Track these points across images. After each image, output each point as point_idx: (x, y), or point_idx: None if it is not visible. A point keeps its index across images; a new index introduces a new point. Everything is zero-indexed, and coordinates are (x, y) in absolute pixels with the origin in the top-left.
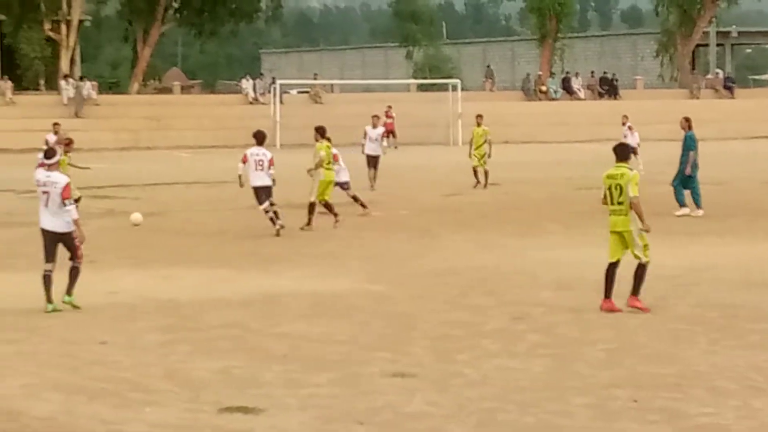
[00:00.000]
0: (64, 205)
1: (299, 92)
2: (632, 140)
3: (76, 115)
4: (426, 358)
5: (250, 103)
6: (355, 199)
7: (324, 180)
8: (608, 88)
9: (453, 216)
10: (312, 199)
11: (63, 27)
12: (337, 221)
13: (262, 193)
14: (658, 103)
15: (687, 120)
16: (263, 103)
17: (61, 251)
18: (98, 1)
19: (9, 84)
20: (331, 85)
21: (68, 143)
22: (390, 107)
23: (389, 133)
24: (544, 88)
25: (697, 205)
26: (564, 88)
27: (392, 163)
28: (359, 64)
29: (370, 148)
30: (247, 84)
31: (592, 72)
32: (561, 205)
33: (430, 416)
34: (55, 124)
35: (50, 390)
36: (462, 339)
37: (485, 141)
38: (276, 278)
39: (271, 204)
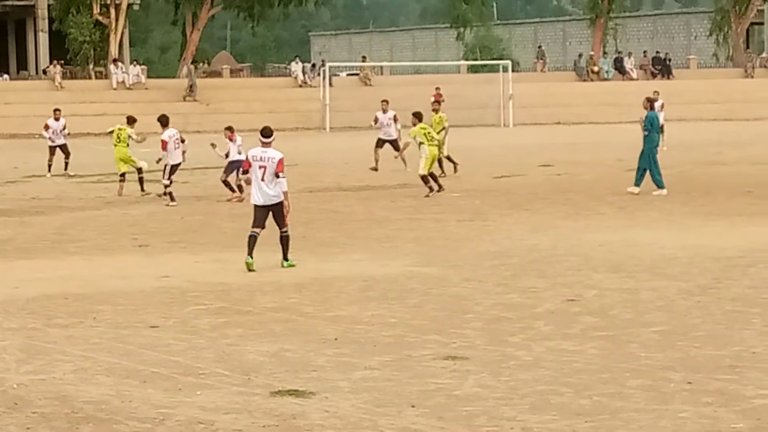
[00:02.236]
0: (278, 177)
1: (349, 75)
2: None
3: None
4: (479, 340)
5: (300, 86)
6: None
7: (429, 156)
8: (661, 67)
9: (505, 198)
10: (421, 172)
11: (112, 11)
12: (429, 195)
13: (176, 170)
14: (712, 82)
15: (648, 100)
16: (313, 86)
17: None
18: None
19: (58, 69)
20: (381, 67)
21: (132, 121)
22: (438, 89)
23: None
24: (596, 69)
25: (636, 183)
26: (616, 69)
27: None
28: (409, 46)
29: (384, 133)
30: (296, 67)
31: (645, 52)
32: (613, 187)
33: (483, 399)
34: (56, 110)
35: (102, 374)
36: (515, 321)
37: (443, 128)
38: (329, 262)
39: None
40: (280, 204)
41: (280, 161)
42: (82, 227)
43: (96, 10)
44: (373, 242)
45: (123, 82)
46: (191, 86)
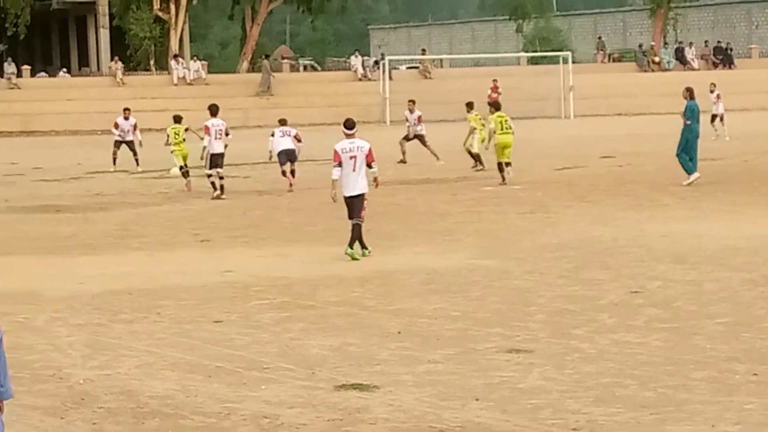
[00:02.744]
0: (370, 167)
1: (408, 68)
2: (716, 109)
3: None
4: (542, 333)
5: (359, 79)
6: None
7: (499, 143)
8: (722, 57)
9: (566, 190)
10: (498, 160)
11: (171, 6)
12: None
13: (217, 159)
14: None
15: (688, 90)
16: (372, 80)
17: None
18: None
19: (119, 65)
20: (440, 60)
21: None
22: (495, 81)
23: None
24: (657, 59)
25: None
26: (677, 59)
27: None
28: (468, 38)
29: (413, 131)
30: (356, 61)
31: (706, 41)
32: (675, 178)
33: (548, 392)
34: (126, 109)
35: (167, 369)
36: (578, 314)
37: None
38: (391, 255)
39: (218, 172)
40: (362, 196)
41: (370, 150)
42: (144, 223)
43: (156, 5)
44: (434, 235)
45: (183, 77)
46: (266, 81)
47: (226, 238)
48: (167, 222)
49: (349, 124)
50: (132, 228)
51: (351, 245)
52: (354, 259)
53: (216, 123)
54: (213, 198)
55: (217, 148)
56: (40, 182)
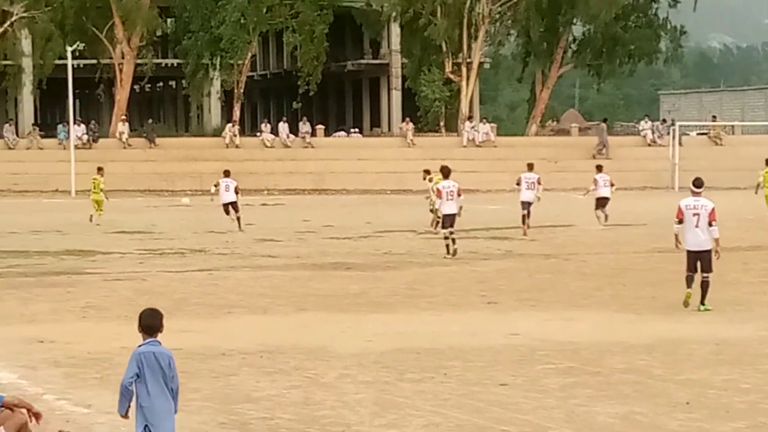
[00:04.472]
0: (710, 225)
1: (699, 134)
2: None
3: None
4: None
5: (648, 144)
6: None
7: None
8: None
9: None
10: None
11: (463, 69)
12: None
13: (449, 220)
14: None
15: None
16: (662, 145)
17: None
18: (497, 42)
19: (410, 126)
20: (732, 126)
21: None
22: None
23: None
24: None
25: None
26: None
27: None
28: (762, 105)
29: (603, 192)
30: (645, 125)
31: None
32: None
33: None
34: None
35: (453, 430)
36: None
37: None
38: (679, 323)
39: (452, 232)
40: (709, 251)
41: (713, 210)
42: (432, 283)
43: (448, 68)
44: (724, 305)
45: (473, 139)
46: (603, 144)
47: (513, 301)
48: (454, 283)
49: (697, 183)
50: (420, 287)
51: (703, 301)
52: (707, 310)
53: (447, 185)
54: (444, 257)
55: (448, 209)
56: (331, 240)
